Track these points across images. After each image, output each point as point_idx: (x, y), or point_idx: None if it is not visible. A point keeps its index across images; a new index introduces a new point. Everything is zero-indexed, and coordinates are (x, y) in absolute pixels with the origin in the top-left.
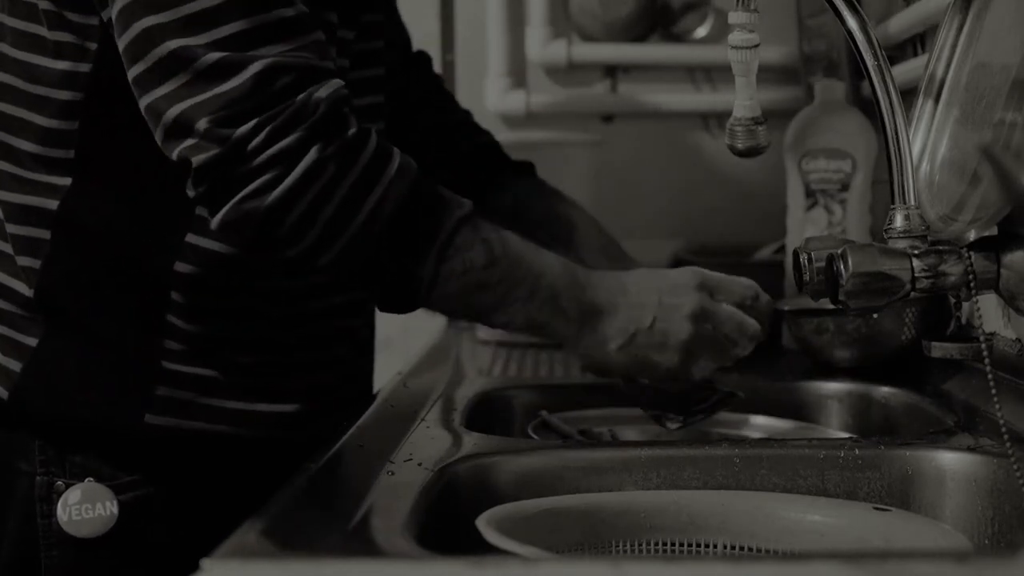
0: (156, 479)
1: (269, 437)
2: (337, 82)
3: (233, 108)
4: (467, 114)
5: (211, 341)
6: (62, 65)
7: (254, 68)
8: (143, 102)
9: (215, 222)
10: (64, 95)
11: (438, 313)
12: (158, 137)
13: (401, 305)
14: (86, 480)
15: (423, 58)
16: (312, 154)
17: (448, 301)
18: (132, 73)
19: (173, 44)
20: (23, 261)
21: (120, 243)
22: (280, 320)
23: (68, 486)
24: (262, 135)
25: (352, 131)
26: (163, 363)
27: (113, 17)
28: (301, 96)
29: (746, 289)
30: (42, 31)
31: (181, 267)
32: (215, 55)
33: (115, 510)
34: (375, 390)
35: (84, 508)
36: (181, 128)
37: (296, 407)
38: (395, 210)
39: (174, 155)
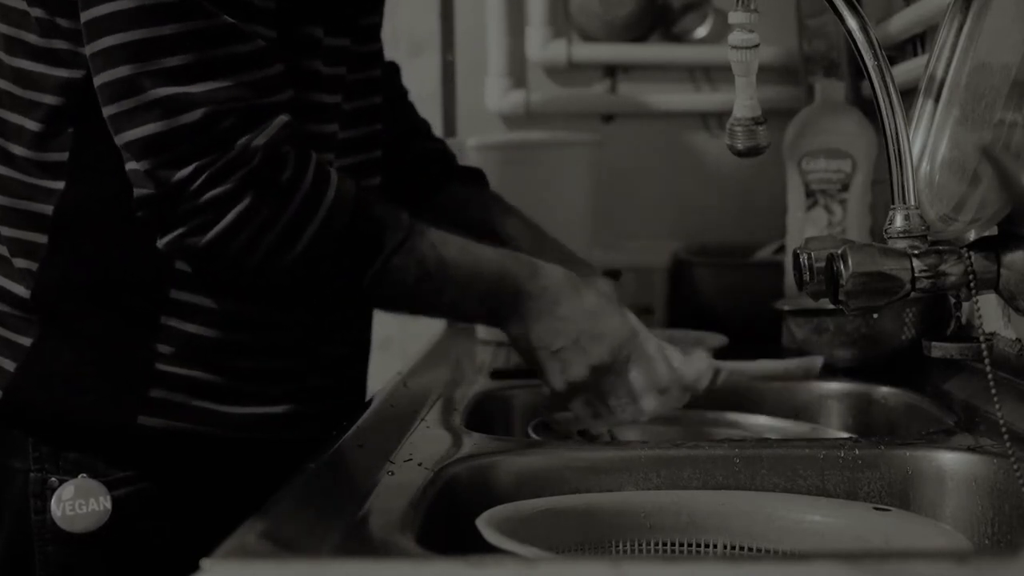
0: (149, 476)
1: (261, 439)
2: (279, 121)
3: (172, 152)
4: (424, 123)
5: (205, 343)
6: (56, 71)
7: (196, 114)
8: (103, 112)
9: (160, 245)
10: (54, 100)
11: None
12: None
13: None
14: (80, 476)
15: (393, 67)
16: (246, 201)
17: (382, 306)
18: (95, 83)
19: (124, 70)
20: (20, 263)
21: (116, 245)
22: (275, 323)
23: (62, 482)
24: (200, 180)
25: (287, 175)
26: (156, 365)
27: (85, 20)
28: (240, 143)
29: (660, 377)
30: (33, 38)
31: (182, 265)
32: (161, 91)
33: (108, 505)
34: (375, 390)
35: (78, 504)
36: (126, 153)
37: (288, 409)
38: (329, 243)
39: (127, 167)
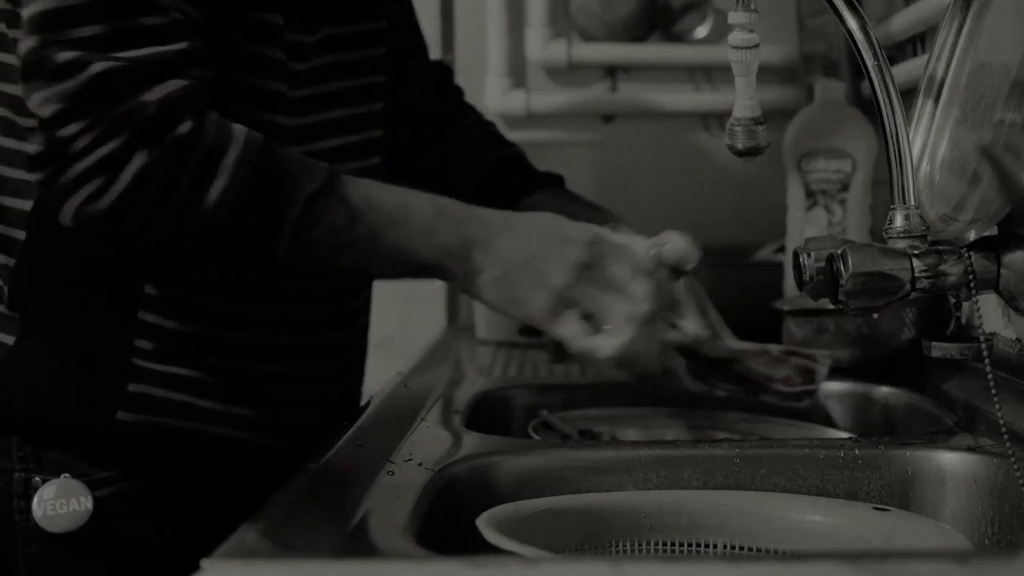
0: (132, 475)
1: (244, 438)
2: (174, 82)
3: (65, 105)
4: (488, 125)
5: (185, 340)
6: None
7: (93, 70)
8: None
9: (61, 220)
10: None
11: (309, 269)
12: None
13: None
14: (62, 476)
15: (441, 69)
16: (139, 159)
17: (316, 263)
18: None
19: (33, 40)
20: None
21: (94, 240)
22: (260, 323)
23: (45, 482)
24: (87, 139)
25: (185, 128)
26: (134, 360)
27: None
28: (129, 101)
29: (641, 259)
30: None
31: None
32: (67, 54)
33: (90, 505)
34: (375, 390)
35: (59, 504)
36: (34, 118)
37: (270, 414)
38: (242, 192)
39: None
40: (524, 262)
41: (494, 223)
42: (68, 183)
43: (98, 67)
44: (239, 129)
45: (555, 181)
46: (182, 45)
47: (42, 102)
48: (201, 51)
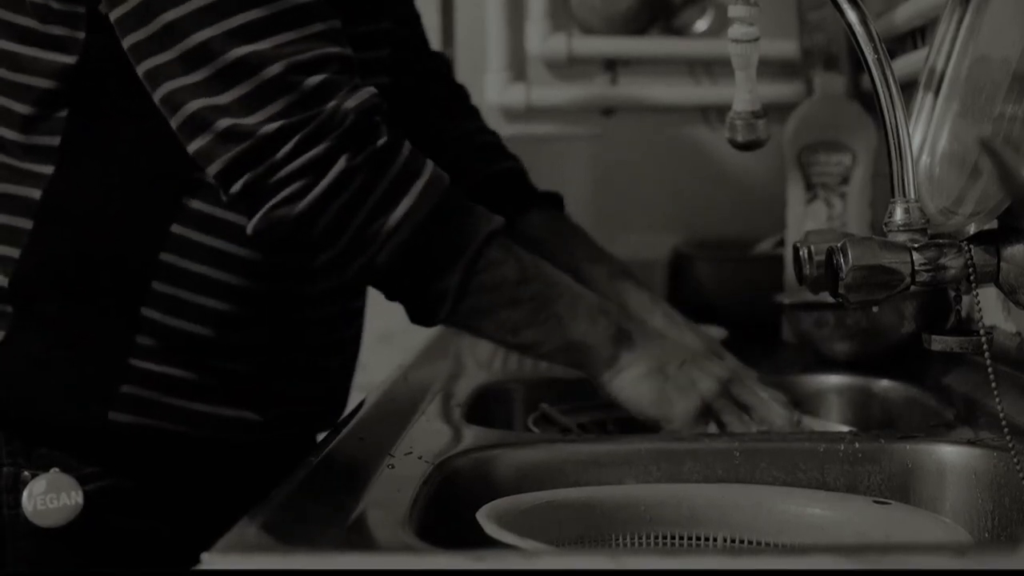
0: (122, 472)
1: (234, 440)
2: (369, 90)
3: (257, 111)
4: (491, 135)
5: (185, 339)
6: (50, 55)
7: (276, 68)
8: (159, 92)
9: (249, 228)
10: (48, 84)
11: (465, 330)
12: (174, 126)
13: (427, 317)
14: (52, 470)
15: (441, 62)
16: (340, 164)
17: (477, 315)
18: (150, 63)
19: (197, 37)
20: (1, 251)
21: (104, 233)
22: (261, 325)
23: (34, 476)
24: (291, 143)
25: (382, 141)
26: (131, 360)
27: (125, 10)
28: (331, 104)
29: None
30: (29, 22)
31: (166, 257)
32: (238, 51)
33: (80, 500)
34: (375, 384)
35: (49, 498)
36: (199, 124)
37: (262, 415)
38: (424, 221)
39: (191, 148)
40: (679, 364)
41: (650, 330)
42: (267, 187)
43: (280, 66)
44: (429, 161)
45: (553, 201)
46: (335, 23)
47: (220, 105)
48: (341, 28)
